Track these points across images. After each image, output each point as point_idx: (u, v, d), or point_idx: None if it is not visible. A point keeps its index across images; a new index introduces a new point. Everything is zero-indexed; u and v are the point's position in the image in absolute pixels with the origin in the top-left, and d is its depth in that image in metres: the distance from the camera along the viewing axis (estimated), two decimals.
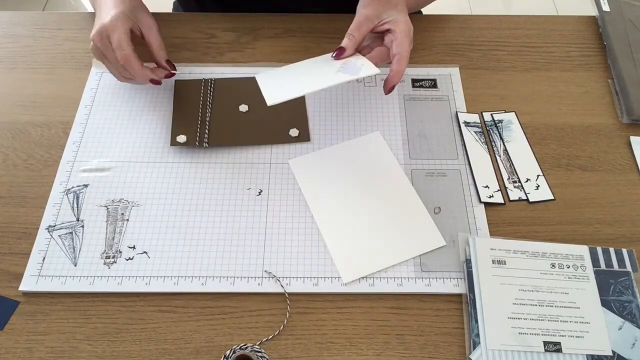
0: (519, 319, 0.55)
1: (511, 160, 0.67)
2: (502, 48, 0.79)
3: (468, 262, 0.59)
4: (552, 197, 0.65)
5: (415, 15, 0.79)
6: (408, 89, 0.74)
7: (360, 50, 0.67)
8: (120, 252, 0.60)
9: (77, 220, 0.62)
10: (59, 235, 0.61)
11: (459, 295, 0.57)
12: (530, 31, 0.81)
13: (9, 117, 0.71)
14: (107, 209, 0.63)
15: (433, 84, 0.74)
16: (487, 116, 0.71)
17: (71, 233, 0.61)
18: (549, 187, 0.65)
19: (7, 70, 0.76)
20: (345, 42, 0.65)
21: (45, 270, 0.58)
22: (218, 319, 0.56)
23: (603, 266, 0.59)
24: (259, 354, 0.51)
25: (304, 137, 0.69)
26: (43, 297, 0.57)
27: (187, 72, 0.75)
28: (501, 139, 0.69)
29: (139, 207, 0.63)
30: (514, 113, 0.72)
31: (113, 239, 0.60)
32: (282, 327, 0.55)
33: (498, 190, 0.65)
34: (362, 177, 0.65)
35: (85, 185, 0.64)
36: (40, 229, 0.61)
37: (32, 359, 0.53)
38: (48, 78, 0.75)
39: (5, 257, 0.59)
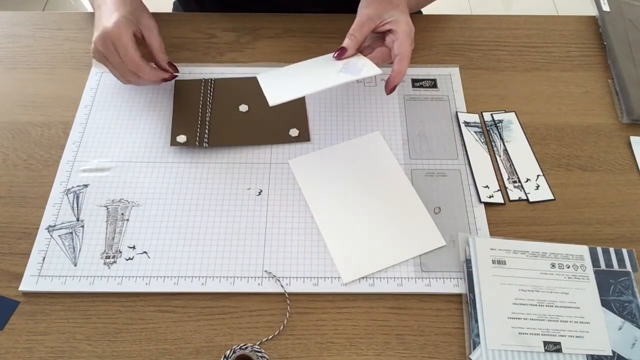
0: (519, 319, 0.55)
1: (511, 160, 0.67)
2: (502, 48, 0.79)
3: (468, 262, 0.59)
4: (552, 197, 0.65)
5: (415, 15, 0.79)
6: (408, 89, 0.74)
7: (361, 50, 0.67)
8: (120, 252, 0.60)
9: (77, 220, 0.62)
10: (59, 235, 0.61)
11: (459, 295, 0.57)
12: (530, 31, 0.81)
13: (9, 117, 0.71)
14: (107, 209, 0.63)
15: (433, 84, 0.74)
16: (487, 116, 0.71)
17: (71, 233, 0.61)
18: (549, 187, 0.65)
19: (7, 70, 0.76)
20: (346, 43, 0.65)
21: (45, 270, 0.58)
22: (218, 319, 0.56)
23: (603, 266, 0.59)
24: (259, 354, 0.51)
25: (304, 137, 0.69)
26: (43, 297, 0.57)
27: (187, 72, 0.75)
28: (501, 139, 0.69)
29: (139, 207, 0.63)
30: (514, 113, 0.72)
31: (113, 239, 0.60)
32: (282, 327, 0.55)
33: (498, 190, 0.65)
34: (362, 177, 0.65)
35: (85, 185, 0.64)
36: (40, 229, 0.61)
37: (32, 359, 0.53)
38: (48, 78, 0.75)
39: (5, 257, 0.59)
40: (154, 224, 0.62)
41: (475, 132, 0.70)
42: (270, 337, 0.55)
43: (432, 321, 0.56)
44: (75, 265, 0.58)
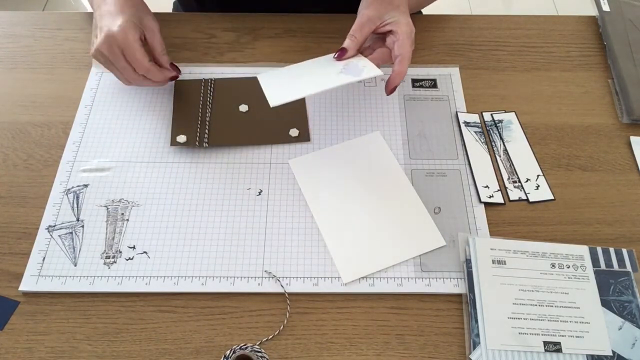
0: (519, 319, 0.55)
1: (511, 160, 0.67)
2: (502, 48, 0.79)
3: (468, 262, 0.59)
4: (552, 197, 0.65)
5: (415, 15, 0.79)
6: (408, 89, 0.74)
7: (361, 51, 0.67)
8: (120, 252, 0.60)
9: (77, 220, 0.62)
10: (59, 235, 0.61)
11: (459, 295, 0.57)
12: (530, 31, 0.81)
13: (9, 117, 0.71)
14: (107, 209, 0.63)
15: (433, 84, 0.74)
16: (487, 116, 0.71)
17: (71, 233, 0.61)
18: (549, 187, 0.65)
19: (7, 70, 0.76)
20: (347, 43, 0.65)
21: (45, 270, 0.58)
22: (218, 319, 0.56)
23: (603, 266, 0.59)
24: (259, 354, 0.51)
25: (304, 137, 0.69)
26: (43, 297, 0.57)
27: (187, 72, 0.75)
28: (501, 139, 0.69)
29: (139, 207, 0.63)
30: (514, 113, 0.72)
31: (113, 239, 0.60)
32: (282, 327, 0.55)
33: (498, 190, 0.65)
34: (362, 177, 0.65)
35: (85, 185, 0.64)
36: (40, 229, 0.61)
37: (32, 359, 0.53)
38: (48, 78, 0.75)
39: (5, 257, 0.59)
40: (154, 224, 0.62)
41: (475, 132, 0.70)
42: (270, 337, 0.55)
43: (432, 321, 0.56)
44: (75, 265, 0.58)
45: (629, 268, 0.58)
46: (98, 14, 0.67)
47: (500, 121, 0.71)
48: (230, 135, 0.69)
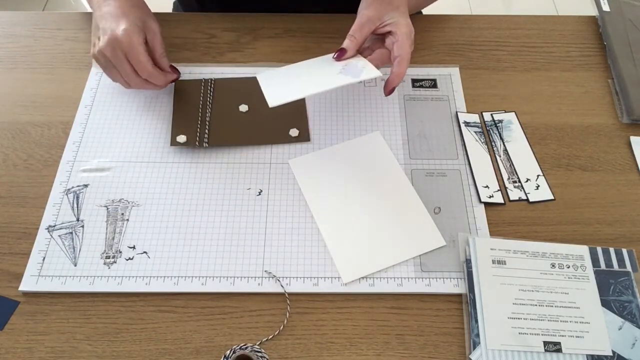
0: (519, 319, 0.55)
1: (511, 160, 0.67)
2: (502, 48, 0.79)
3: (468, 262, 0.59)
4: (552, 197, 0.65)
5: (415, 15, 0.79)
6: (408, 89, 0.74)
7: (361, 52, 0.67)
8: (120, 252, 0.60)
9: (77, 220, 0.62)
10: (59, 235, 0.61)
11: (459, 295, 0.57)
12: (530, 31, 0.81)
13: (9, 117, 0.71)
14: (107, 209, 0.63)
15: (433, 84, 0.74)
16: (487, 116, 0.71)
17: (71, 233, 0.61)
18: (549, 187, 0.65)
19: (7, 70, 0.76)
20: (346, 44, 0.65)
21: (45, 270, 0.58)
22: (218, 319, 0.56)
23: (603, 266, 0.59)
24: (259, 354, 0.51)
25: (304, 137, 0.69)
26: (43, 297, 0.57)
27: (187, 72, 0.75)
28: (501, 139, 0.69)
29: (139, 207, 0.63)
30: (514, 113, 0.72)
31: (113, 239, 0.60)
32: (282, 327, 0.55)
33: (498, 190, 0.65)
34: (362, 177, 0.65)
35: (85, 185, 0.64)
36: (40, 229, 0.61)
37: (32, 359, 0.53)
38: (48, 78, 0.75)
39: (5, 257, 0.59)
40: (154, 224, 0.62)
41: (475, 132, 0.70)
42: (270, 337, 0.55)
43: (432, 321, 0.56)
44: (75, 265, 0.58)
45: (629, 268, 0.58)
46: (99, 14, 0.66)
47: (500, 121, 0.71)
48: (230, 135, 0.69)
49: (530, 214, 0.63)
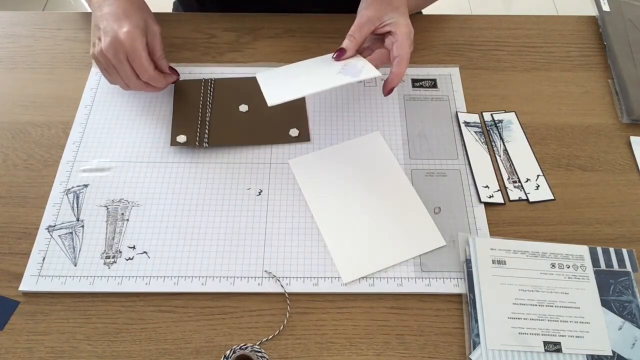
0: (519, 319, 0.55)
1: (511, 160, 0.67)
2: (502, 48, 0.79)
3: (468, 262, 0.59)
4: (552, 197, 0.65)
5: (415, 15, 0.79)
6: (408, 89, 0.74)
7: (360, 52, 0.67)
8: (120, 252, 0.60)
9: (77, 220, 0.62)
10: (59, 235, 0.61)
11: (459, 295, 0.57)
12: (530, 31, 0.81)
13: (9, 117, 0.71)
14: (107, 209, 0.63)
15: (433, 84, 0.74)
16: (487, 116, 0.71)
17: (71, 233, 0.61)
18: (549, 187, 0.65)
19: (7, 70, 0.76)
20: (346, 44, 0.65)
21: (45, 270, 0.58)
22: (218, 319, 0.56)
23: (603, 266, 0.59)
24: (259, 354, 0.51)
25: (304, 137, 0.69)
26: (43, 297, 0.57)
27: (187, 72, 0.75)
28: (501, 139, 0.69)
29: (139, 207, 0.63)
30: (514, 113, 0.72)
31: (113, 239, 0.60)
32: (282, 327, 0.55)
33: (498, 190, 0.65)
34: (362, 177, 0.65)
35: (85, 185, 0.64)
36: (40, 229, 0.61)
37: (32, 359, 0.53)
38: (48, 78, 0.75)
39: (5, 257, 0.59)
40: (154, 224, 0.62)
41: (475, 132, 0.70)
42: (270, 337, 0.55)
43: (432, 321, 0.56)
44: (75, 265, 0.58)
45: (629, 268, 0.58)
46: (99, 14, 0.66)
47: (500, 121, 0.71)
48: (230, 135, 0.69)
49: (530, 214, 0.63)
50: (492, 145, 0.69)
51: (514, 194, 0.65)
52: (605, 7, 0.81)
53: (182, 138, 0.68)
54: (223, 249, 0.60)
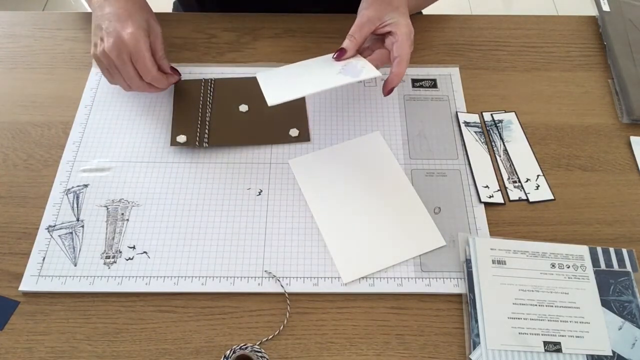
0: (519, 319, 0.55)
1: (511, 160, 0.67)
2: (502, 48, 0.79)
3: (468, 262, 0.59)
4: (552, 197, 0.65)
5: (415, 15, 0.79)
6: (408, 89, 0.74)
7: (361, 52, 0.67)
8: (120, 252, 0.60)
9: (77, 220, 0.62)
10: (59, 235, 0.61)
11: (459, 295, 0.57)
12: (530, 31, 0.81)
13: (9, 117, 0.71)
14: (107, 209, 0.63)
15: (433, 84, 0.74)
16: (487, 116, 0.71)
17: (71, 233, 0.61)
18: (549, 187, 0.65)
19: (7, 70, 0.76)
20: (346, 44, 0.65)
21: (45, 270, 0.58)
22: (218, 319, 0.56)
23: (603, 266, 0.59)
24: (259, 354, 0.51)
25: (304, 137, 0.69)
26: (43, 297, 0.57)
27: (187, 72, 0.75)
28: (501, 139, 0.69)
29: (139, 207, 0.63)
30: (514, 113, 0.72)
31: (113, 239, 0.60)
32: (282, 327, 0.55)
33: (498, 190, 0.65)
34: (362, 177, 0.65)
35: (85, 185, 0.64)
36: (40, 229, 0.61)
37: (32, 359, 0.53)
38: (48, 78, 0.75)
39: (5, 257, 0.59)
40: (154, 224, 0.62)
41: (475, 132, 0.70)
42: (270, 337, 0.55)
43: (432, 321, 0.56)
44: (75, 265, 0.58)
45: (629, 268, 0.58)
46: (100, 14, 0.65)
47: (500, 121, 0.71)
48: (230, 135, 0.69)
49: (530, 214, 0.63)
50: (492, 145, 0.69)
51: (514, 194, 0.65)
52: (605, 7, 0.81)
53: (182, 138, 0.68)
54: (223, 249, 0.60)
